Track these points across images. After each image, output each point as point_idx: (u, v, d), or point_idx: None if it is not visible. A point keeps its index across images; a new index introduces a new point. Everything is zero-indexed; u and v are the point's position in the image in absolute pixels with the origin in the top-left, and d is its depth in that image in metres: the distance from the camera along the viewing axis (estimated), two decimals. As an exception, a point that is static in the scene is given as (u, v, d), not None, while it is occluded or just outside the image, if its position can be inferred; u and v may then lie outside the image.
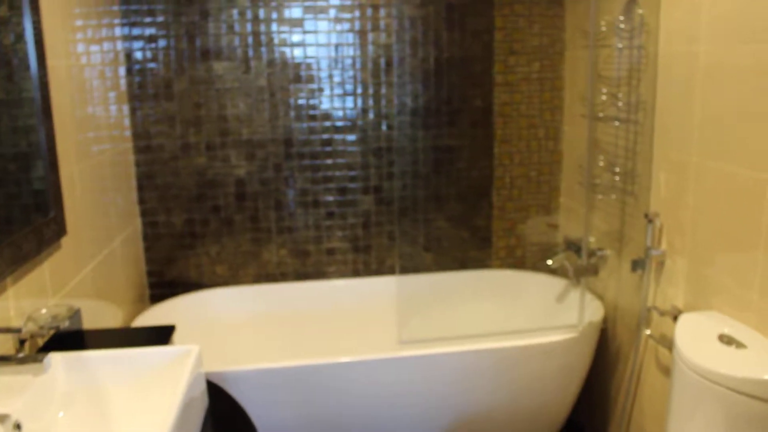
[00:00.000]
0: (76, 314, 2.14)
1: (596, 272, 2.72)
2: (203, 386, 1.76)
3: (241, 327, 3.21)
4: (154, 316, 2.96)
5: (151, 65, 3.01)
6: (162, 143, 3.08)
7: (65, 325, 1.94)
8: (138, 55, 2.99)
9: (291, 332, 3.25)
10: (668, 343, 2.31)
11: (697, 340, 1.90)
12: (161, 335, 2.17)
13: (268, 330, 3.23)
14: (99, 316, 2.51)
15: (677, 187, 2.25)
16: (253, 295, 3.25)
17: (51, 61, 2.09)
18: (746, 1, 1.86)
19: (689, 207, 2.18)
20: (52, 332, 1.96)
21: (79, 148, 2.36)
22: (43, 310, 1.96)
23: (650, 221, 2.36)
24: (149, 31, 2.98)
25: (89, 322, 2.37)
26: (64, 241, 2.16)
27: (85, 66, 2.45)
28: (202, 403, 1.75)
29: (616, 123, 2.63)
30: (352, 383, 2.51)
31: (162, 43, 2.99)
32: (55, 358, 1.69)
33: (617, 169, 2.65)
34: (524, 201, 3.34)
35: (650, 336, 2.42)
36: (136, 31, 2.97)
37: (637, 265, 2.46)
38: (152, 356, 1.72)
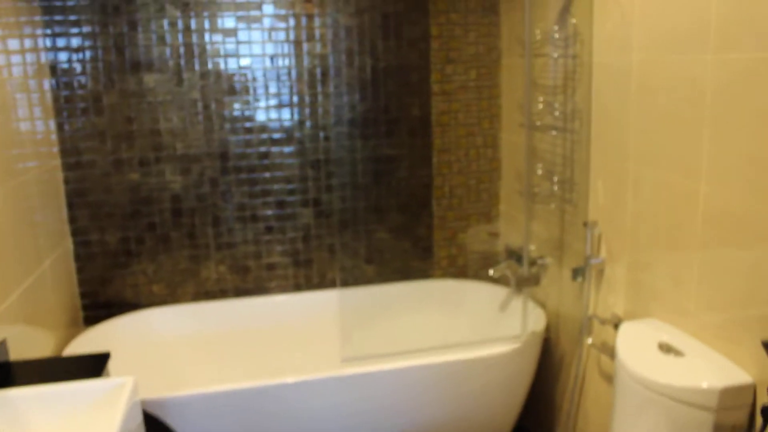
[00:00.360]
0: (0, 346, 2.04)
1: (538, 282, 2.73)
2: (139, 419, 1.69)
3: (181, 347, 3.12)
4: (89, 340, 2.85)
5: (79, 78, 2.90)
6: (93, 159, 2.97)
7: (-10, 357, 1.84)
8: (64, 67, 2.88)
9: (233, 351, 3.17)
10: (610, 351, 2.33)
11: (638, 349, 1.91)
12: (95, 364, 2.08)
13: (210, 349, 3.15)
14: (29, 343, 2.39)
15: (615, 194, 2.27)
16: (192, 313, 3.16)
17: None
18: (674, 14, 1.88)
19: (627, 214, 2.20)
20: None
21: (1, 168, 2.25)
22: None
23: (589, 229, 2.37)
24: (76, 42, 2.87)
25: (18, 352, 2.26)
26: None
27: (6, 80, 2.35)
28: (138, 435, 1.68)
29: (553, 132, 2.64)
30: (296, 404, 2.45)
31: (89, 54, 2.89)
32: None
33: (555, 178, 2.66)
34: (464, 210, 3.34)
35: (592, 345, 2.44)
36: (61, 42, 2.86)
37: (577, 273, 2.47)
38: (83, 391, 1.64)
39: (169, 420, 2.37)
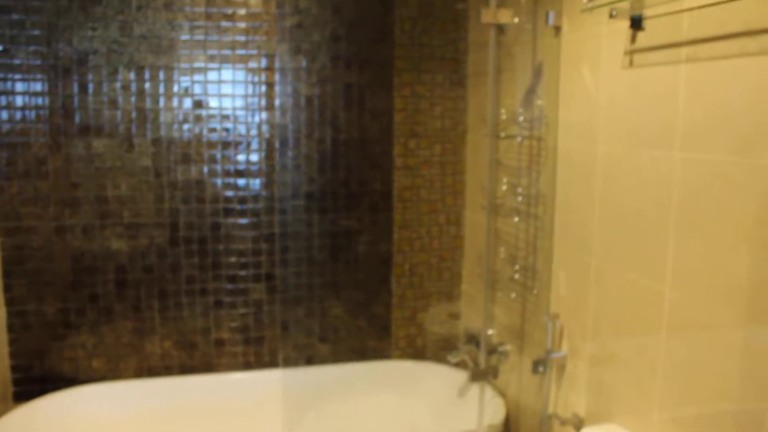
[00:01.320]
0: None
1: (495, 375, 2.58)
2: None
3: (121, 428, 2.91)
4: (17, 419, 2.64)
5: (23, 139, 2.76)
6: (33, 225, 2.81)
7: None
8: (8, 127, 2.74)
9: (175, 431, 2.97)
10: (570, 454, 2.19)
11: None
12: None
13: (151, 430, 2.95)
14: None
15: (577, 287, 2.15)
16: (133, 391, 2.96)
17: None
18: (641, 107, 1.80)
19: (589, 310, 2.08)
20: None
21: None
22: None
23: (550, 322, 2.25)
24: (21, 102, 2.74)
25: None
26: None
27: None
28: None
29: (516, 218, 2.54)
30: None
31: (35, 115, 2.76)
32: None
33: (517, 266, 2.55)
34: (425, 288, 3.21)
35: (552, 445, 2.30)
36: (4, 101, 2.73)
37: (538, 366, 2.34)
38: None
39: None
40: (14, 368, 2.89)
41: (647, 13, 1.77)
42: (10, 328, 2.86)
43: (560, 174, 2.26)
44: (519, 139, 2.54)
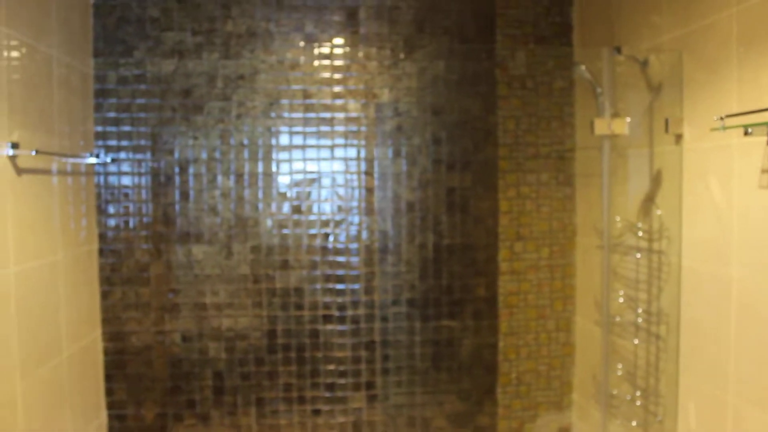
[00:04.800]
0: None
1: None
2: None
3: None
4: None
5: (126, 247, 2.78)
6: (134, 330, 2.81)
7: None
8: (112, 235, 2.77)
9: None
10: None
11: None
12: None
13: None
14: None
15: (711, 425, 1.92)
16: (228, 499, 2.88)
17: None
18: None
19: (726, 453, 1.85)
20: None
21: (29, 358, 2.09)
22: None
23: (679, 461, 2.02)
24: (125, 211, 2.77)
25: None
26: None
27: (49, 259, 2.21)
28: None
29: (635, 341, 2.33)
30: None
31: (138, 222, 2.78)
32: None
33: (638, 392, 2.33)
34: (533, 398, 3.00)
35: None
36: (111, 209, 2.76)
37: (664, 506, 2.10)
38: None
39: None
40: (113, 474, 2.86)
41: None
42: (111, 431, 2.84)
43: (686, 294, 2.06)
44: (638, 255, 2.35)
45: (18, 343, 2.02)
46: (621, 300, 2.47)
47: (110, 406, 2.84)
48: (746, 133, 1.68)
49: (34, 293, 2.14)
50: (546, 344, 2.98)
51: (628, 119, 2.29)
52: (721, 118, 1.73)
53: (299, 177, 2.84)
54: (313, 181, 2.84)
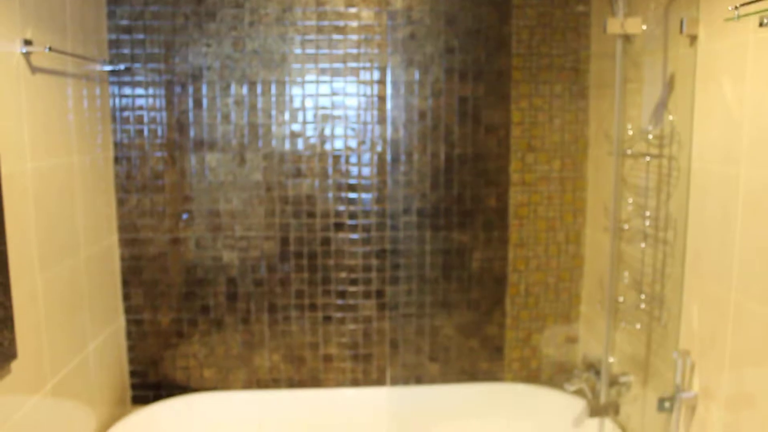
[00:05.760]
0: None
1: (617, 411, 2.41)
2: None
3: (227, 437, 2.93)
4: (133, 423, 2.69)
5: (141, 155, 2.81)
6: (150, 237, 2.86)
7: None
8: (126, 143, 2.80)
9: (281, 446, 2.96)
10: (700, 507, 1.99)
11: None
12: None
13: (257, 442, 2.95)
14: (68, 424, 2.29)
15: (713, 323, 1.96)
16: (242, 401, 2.97)
17: (7, 167, 1.88)
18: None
19: (727, 348, 1.89)
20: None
21: (48, 254, 2.14)
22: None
23: (680, 359, 2.06)
24: (139, 119, 2.79)
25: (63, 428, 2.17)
26: (16, 364, 1.92)
27: (65, 160, 2.25)
28: None
29: (642, 245, 2.35)
30: None
31: (152, 131, 2.80)
32: None
33: (643, 295, 2.36)
34: (541, 309, 3.05)
35: (679, 495, 2.10)
36: (126, 118, 2.78)
37: (664, 404, 2.15)
38: None
39: None
40: (132, 374, 2.96)
41: (803, 25, 1.57)
42: (129, 335, 2.92)
43: (694, 197, 2.07)
44: (647, 158, 2.35)
45: (36, 237, 2.07)
46: (630, 208, 2.48)
47: (127, 310, 2.92)
48: (761, 24, 1.66)
49: (50, 192, 2.18)
50: (555, 256, 3.01)
51: (644, 27, 2.26)
52: (736, 7, 1.71)
53: (311, 85, 2.84)
54: (325, 89, 2.84)
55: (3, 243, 1.81)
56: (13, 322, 1.87)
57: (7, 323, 1.85)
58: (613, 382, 2.50)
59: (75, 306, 2.38)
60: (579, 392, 2.77)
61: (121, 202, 2.84)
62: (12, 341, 1.87)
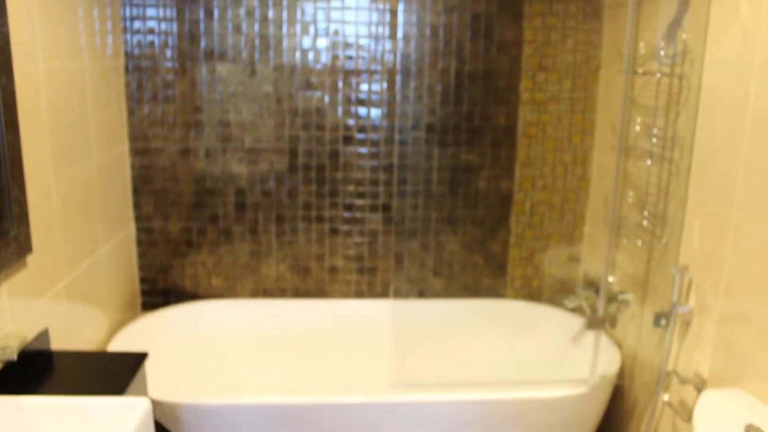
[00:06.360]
0: (41, 336, 1.98)
1: (614, 325, 2.47)
2: (152, 443, 1.57)
3: (234, 342, 3.02)
4: (142, 326, 2.78)
5: (152, 64, 2.81)
6: (160, 147, 2.89)
7: (14, 357, 1.76)
8: (137, 52, 2.80)
9: (284, 352, 3.05)
10: (688, 414, 2.06)
11: (720, 428, 1.65)
12: (132, 363, 2.01)
13: (260, 348, 3.04)
14: (80, 324, 2.37)
15: (713, 240, 1.99)
16: (248, 310, 3.06)
17: (20, 66, 1.90)
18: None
19: (725, 265, 1.93)
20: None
21: (61, 155, 2.18)
22: (-6, 340, 1.79)
23: (678, 274, 2.10)
24: (150, 28, 2.78)
25: (69, 332, 2.25)
26: (31, 258, 1.98)
27: (81, 62, 2.26)
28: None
29: (648, 161, 2.37)
30: (336, 426, 2.30)
31: (163, 41, 2.80)
32: (-10, 403, 1.51)
33: (646, 212, 2.39)
34: (545, 229, 3.09)
35: (668, 403, 2.17)
36: (135, 27, 2.78)
37: (660, 319, 2.20)
38: (95, 408, 1.53)
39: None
40: (142, 280, 3.03)
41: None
42: (139, 243, 2.98)
43: (702, 115, 2.07)
44: (658, 76, 2.34)
45: (50, 138, 2.10)
46: (638, 128, 2.49)
47: (138, 218, 2.97)
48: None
49: (62, 95, 2.20)
50: (562, 177, 3.03)
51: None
52: None
53: (324, -2, 2.82)
54: (336, 2, 2.82)
55: (18, 140, 1.85)
56: (28, 218, 1.92)
57: (22, 218, 1.89)
58: (611, 298, 2.56)
59: (87, 209, 2.43)
60: (578, 309, 2.84)
61: (131, 112, 2.85)
62: (27, 236, 1.92)
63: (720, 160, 1.96)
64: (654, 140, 2.37)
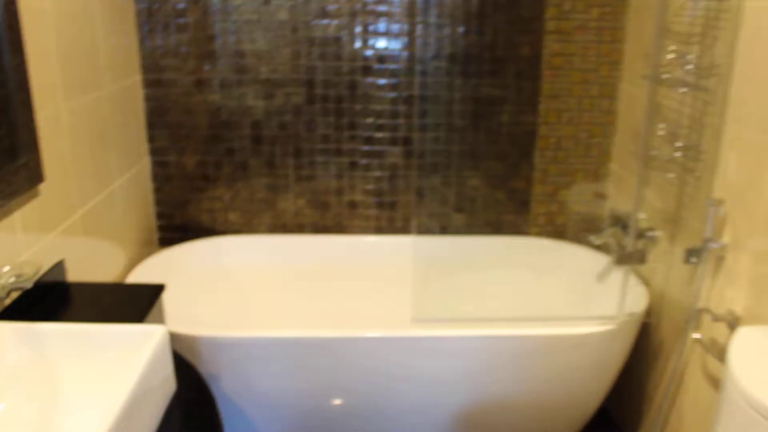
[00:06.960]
0: (57, 267, 1.95)
1: (643, 260, 2.39)
2: (168, 371, 1.53)
3: (252, 278, 2.99)
4: (160, 261, 2.75)
5: (164, -11, 2.71)
6: (173, 78, 2.81)
7: (29, 285, 1.72)
8: (150, -23, 2.70)
9: (302, 288, 3.01)
10: (720, 353, 2.00)
11: (757, 364, 1.59)
12: (150, 294, 1.99)
13: (278, 284, 3.00)
14: (97, 259, 2.33)
15: (751, 172, 1.90)
16: (266, 245, 3.01)
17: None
18: None
19: (763, 198, 1.84)
20: (15, 293, 1.76)
21: (71, 83, 2.10)
22: (6, 268, 1.74)
23: (712, 208, 2.02)
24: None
25: (85, 265, 2.21)
26: (44, 187, 1.93)
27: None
28: (165, 390, 1.52)
29: (683, 89, 2.26)
30: (356, 360, 2.27)
31: (177, -36, 2.69)
32: (3, 329, 1.47)
33: (679, 143, 2.29)
34: (570, 164, 2.99)
35: (698, 341, 2.11)
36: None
37: (691, 255, 2.13)
38: (111, 335, 1.49)
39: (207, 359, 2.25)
40: (159, 215, 2.99)
41: None
42: (155, 177, 2.93)
43: (744, 40, 1.96)
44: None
45: (58, 64, 2.02)
46: (671, 56, 2.37)
47: (153, 152, 2.91)
48: None
49: (70, 19, 2.11)
50: (588, 110, 2.92)
51: None
52: None
53: None
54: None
55: (24, 63, 1.77)
56: (38, 145, 1.86)
57: (32, 146, 1.83)
58: (640, 235, 2.48)
59: (100, 140, 2.36)
60: (604, 246, 2.77)
61: (143, 42, 2.76)
62: (38, 163, 1.86)
63: (761, 87, 1.85)
64: (688, 67, 2.25)
